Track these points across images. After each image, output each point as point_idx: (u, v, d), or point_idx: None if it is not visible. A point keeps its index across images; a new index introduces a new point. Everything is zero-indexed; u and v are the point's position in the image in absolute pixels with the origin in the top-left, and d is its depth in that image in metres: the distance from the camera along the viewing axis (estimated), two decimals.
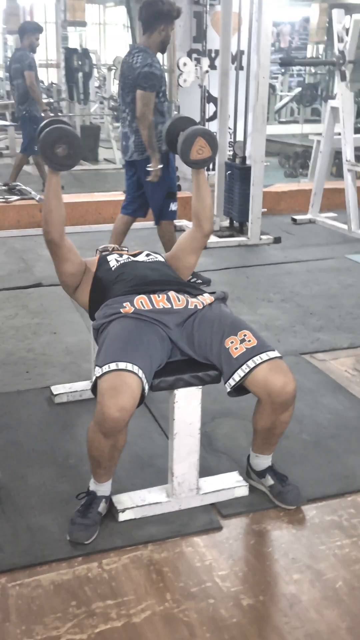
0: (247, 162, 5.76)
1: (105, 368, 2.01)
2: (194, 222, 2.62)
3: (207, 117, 6.29)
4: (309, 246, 5.77)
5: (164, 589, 1.97)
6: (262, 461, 2.36)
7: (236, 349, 2.16)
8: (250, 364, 2.13)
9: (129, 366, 2.01)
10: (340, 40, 5.90)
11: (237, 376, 2.14)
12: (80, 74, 10.11)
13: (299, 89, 14.20)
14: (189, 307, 2.28)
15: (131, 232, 5.04)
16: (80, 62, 10.11)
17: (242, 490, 2.37)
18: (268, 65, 5.40)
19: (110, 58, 13.98)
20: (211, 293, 2.42)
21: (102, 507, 2.20)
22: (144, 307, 2.24)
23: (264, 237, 5.79)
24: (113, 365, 2.01)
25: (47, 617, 1.87)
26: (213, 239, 5.74)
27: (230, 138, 6.28)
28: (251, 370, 2.12)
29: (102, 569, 2.05)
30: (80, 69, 10.16)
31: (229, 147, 6.20)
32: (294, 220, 6.51)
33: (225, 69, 5.88)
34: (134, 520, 2.24)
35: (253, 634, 1.83)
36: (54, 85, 14.00)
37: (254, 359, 2.13)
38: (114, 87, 10.82)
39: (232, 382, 2.16)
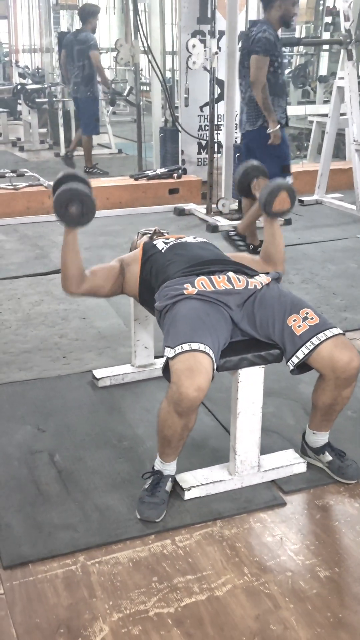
0: None
1: (178, 349, 2.03)
2: (266, 261, 2.64)
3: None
4: (320, 227, 5.81)
5: (240, 563, 2.02)
6: (320, 438, 2.41)
7: (299, 326, 2.19)
8: (315, 341, 2.16)
9: (202, 346, 2.04)
10: (347, 19, 5.90)
11: (301, 353, 2.18)
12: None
13: (288, 70, 14.17)
14: (249, 287, 2.31)
15: (148, 216, 5.05)
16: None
17: (301, 467, 2.42)
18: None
19: (102, 42, 13.85)
20: (266, 274, 2.44)
21: (169, 486, 2.24)
22: (206, 289, 2.26)
23: None
24: (186, 346, 2.03)
25: (132, 592, 1.90)
26: (223, 221, 5.76)
27: (237, 120, 6.28)
28: (316, 347, 2.16)
29: (177, 546, 2.08)
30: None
31: (236, 129, 6.19)
32: (301, 201, 6.53)
33: (232, 50, 5.86)
34: (199, 498, 2.28)
35: (335, 603, 1.87)
36: (39, 70, 13.87)
37: (318, 336, 2.17)
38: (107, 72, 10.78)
39: (295, 359, 2.19)
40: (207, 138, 5.93)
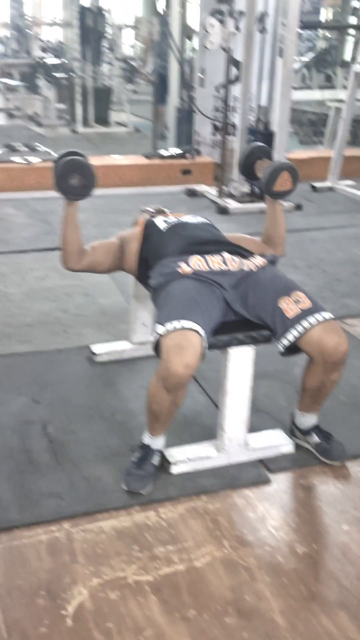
0: (270, 127, 5.76)
1: (169, 326, 2.07)
2: (267, 243, 2.68)
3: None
4: (330, 214, 5.80)
5: (221, 536, 2.07)
6: (308, 420, 2.44)
7: (290, 309, 2.22)
8: (305, 324, 2.19)
9: (193, 325, 2.07)
10: None
11: (290, 336, 2.21)
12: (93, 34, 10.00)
13: (310, 54, 14.03)
14: (244, 268, 2.34)
15: (159, 196, 5.06)
16: (94, 22, 9.99)
17: (288, 447, 2.45)
18: (296, 28, 5.36)
19: (123, 18, 13.80)
20: (262, 256, 2.47)
21: (156, 459, 2.29)
22: (201, 268, 2.29)
23: (285, 204, 5.80)
24: (177, 324, 2.07)
25: (112, 559, 1.96)
26: (234, 204, 5.77)
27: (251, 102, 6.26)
28: (306, 330, 2.19)
29: (160, 518, 2.13)
30: (94, 28, 10.04)
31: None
32: (314, 187, 6.53)
33: (250, 31, 5.82)
34: (186, 473, 2.32)
35: (310, 578, 1.92)
36: (62, 44, 13.84)
37: (309, 319, 2.19)
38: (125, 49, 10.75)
39: (285, 341, 2.22)
40: (222, 119, 5.91)
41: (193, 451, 2.37)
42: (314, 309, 2.22)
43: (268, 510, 2.19)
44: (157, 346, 2.13)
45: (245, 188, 6.08)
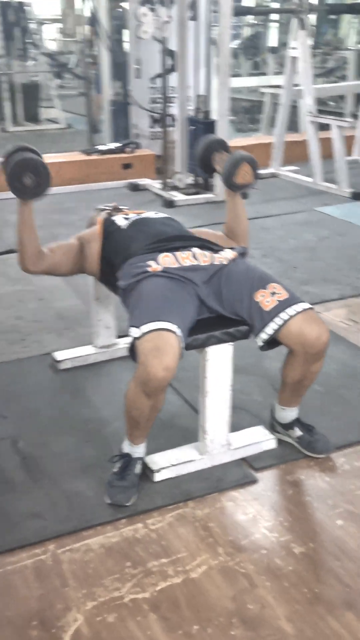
0: (210, 116, 5.69)
1: (145, 328, 1.97)
2: (229, 237, 2.61)
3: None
4: (277, 200, 5.78)
5: (215, 543, 1.99)
6: (289, 413, 2.38)
7: (267, 302, 2.15)
8: (284, 316, 2.12)
9: (169, 325, 1.98)
10: None
11: (270, 329, 2.14)
12: (16, 29, 9.71)
13: (237, 41, 14.03)
14: (215, 263, 2.25)
15: (102, 192, 4.94)
16: (16, 16, 9.70)
17: (270, 443, 2.39)
18: (230, 15, 5.29)
19: (44, 12, 13.47)
20: (231, 249, 2.39)
21: (138, 468, 2.19)
22: (171, 265, 2.20)
23: None
24: (153, 325, 1.97)
25: (105, 579, 1.86)
26: (180, 196, 5.69)
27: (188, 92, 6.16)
28: (285, 322, 2.12)
29: (149, 529, 2.04)
30: (16, 23, 9.75)
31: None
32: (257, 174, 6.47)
33: (183, 19, 5.73)
34: (169, 479, 2.24)
35: (311, 579, 1.86)
36: None
37: (287, 311, 2.13)
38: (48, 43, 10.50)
39: (264, 335, 2.15)
40: (161, 111, 5.81)
41: (175, 456, 2.28)
42: (292, 300, 2.16)
43: (259, 511, 2.12)
44: (132, 350, 2.03)
45: (189, 179, 6.00)
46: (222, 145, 2.65)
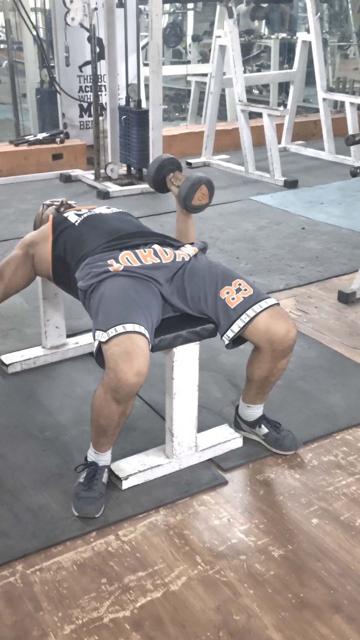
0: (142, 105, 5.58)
1: (112, 332, 1.87)
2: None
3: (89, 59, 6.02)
4: None
5: (192, 552, 1.91)
6: (255, 411, 2.33)
7: (233, 299, 2.09)
8: (250, 313, 2.07)
9: (137, 327, 1.88)
10: None
11: (236, 327, 2.08)
12: None
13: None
14: (177, 260, 2.17)
15: (33, 184, 4.75)
16: None
17: (237, 442, 2.34)
18: (160, 3, 5.18)
19: None
20: (191, 244, 2.31)
21: (105, 477, 2.09)
22: (132, 264, 2.10)
23: None
24: (120, 328, 1.87)
25: (81, 599, 1.76)
26: (115, 187, 5.56)
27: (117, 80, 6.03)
28: (251, 319, 2.06)
29: (121, 541, 1.95)
30: None
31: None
32: (189, 164, 6.42)
33: (111, 6, 5.58)
34: (137, 486, 2.15)
35: (294, 582, 1.81)
36: None
37: (254, 307, 2.07)
38: None
39: (230, 333, 2.09)
40: (91, 100, 5.65)
41: (142, 461, 2.19)
42: (257, 296, 2.10)
43: (232, 514, 2.06)
44: (98, 354, 1.92)
45: (122, 169, 5.87)
46: (175, 165, 2.55)
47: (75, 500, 2.03)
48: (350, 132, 6.40)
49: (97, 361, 1.95)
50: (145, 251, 2.15)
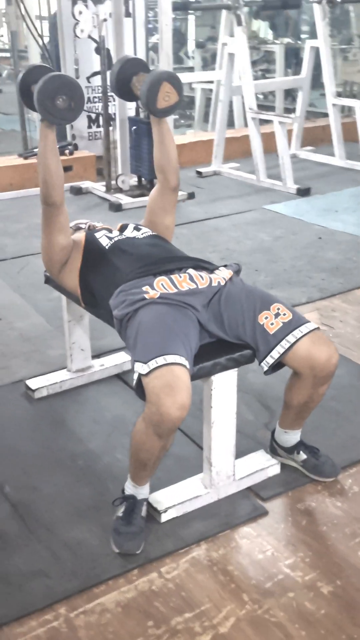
0: None
1: (152, 364, 1.81)
2: (159, 178, 2.45)
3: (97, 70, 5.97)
4: (224, 199, 5.67)
5: (238, 589, 1.85)
6: (292, 437, 2.27)
7: (272, 324, 2.03)
8: (291, 338, 2.00)
9: (177, 358, 1.82)
10: None
11: (276, 353, 2.02)
12: None
13: (157, 36, 13.83)
14: (213, 284, 2.11)
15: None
16: None
17: (275, 469, 2.28)
18: (170, 11, 5.14)
19: None
20: (225, 266, 2.25)
21: (144, 511, 2.03)
22: (168, 290, 2.04)
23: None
24: (161, 360, 1.81)
25: None
26: (127, 199, 5.50)
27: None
28: (292, 345, 2.00)
29: (165, 579, 1.89)
30: None
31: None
32: (199, 173, 6.37)
33: (119, 16, 5.52)
34: (176, 518, 2.08)
35: (347, 622, 1.75)
36: None
37: (294, 333, 2.01)
38: None
39: (270, 359, 2.03)
40: (100, 111, 5.60)
41: (180, 492, 2.13)
42: (297, 321, 2.04)
43: (276, 547, 2.00)
44: (138, 386, 1.86)
45: (133, 180, 5.81)
46: (140, 66, 2.35)
47: (114, 535, 1.97)
48: None
49: (137, 393, 1.88)
50: (180, 276, 2.08)
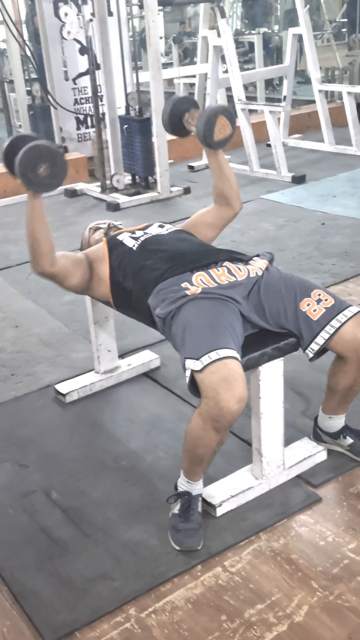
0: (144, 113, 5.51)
1: (206, 359, 1.79)
2: (220, 202, 2.43)
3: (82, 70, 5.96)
4: None
5: (306, 577, 1.84)
6: (337, 422, 2.26)
7: (314, 310, 2.02)
8: (335, 323, 2.00)
9: (229, 352, 1.81)
10: None
11: (320, 339, 2.01)
12: None
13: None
14: (251, 275, 2.09)
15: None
16: None
17: (322, 455, 2.27)
18: (156, 8, 5.11)
19: None
20: (257, 255, 2.24)
21: (200, 506, 2.02)
22: (208, 285, 2.02)
23: (173, 189, 5.60)
24: (214, 355, 1.79)
25: None
26: (124, 198, 5.47)
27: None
28: (336, 330, 1.99)
29: (230, 572, 1.87)
30: None
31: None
32: (191, 167, 6.36)
33: (103, 16, 5.49)
34: (231, 511, 2.07)
35: None
36: None
37: (338, 317, 2.00)
38: None
39: (315, 346, 2.02)
40: (91, 111, 5.57)
41: (232, 485, 2.12)
42: (340, 305, 2.03)
43: (336, 532, 1.99)
44: (192, 383, 1.84)
45: (127, 179, 5.78)
46: (191, 103, 2.39)
47: (173, 533, 1.96)
48: (350, 121, 6.38)
49: (190, 391, 1.86)
50: (218, 270, 2.07)
